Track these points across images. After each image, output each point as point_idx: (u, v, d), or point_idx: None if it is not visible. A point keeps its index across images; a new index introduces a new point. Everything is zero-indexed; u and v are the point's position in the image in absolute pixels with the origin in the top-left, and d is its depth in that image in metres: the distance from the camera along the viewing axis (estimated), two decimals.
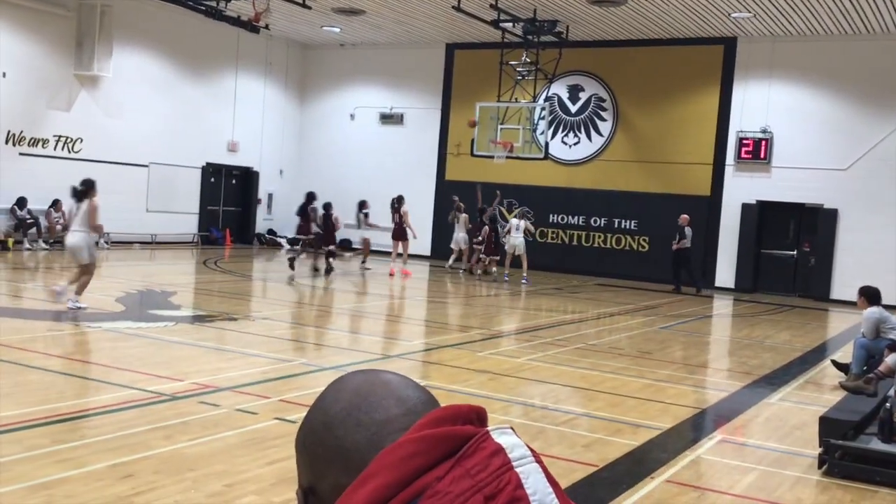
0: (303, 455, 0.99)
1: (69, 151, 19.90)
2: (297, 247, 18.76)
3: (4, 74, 18.51)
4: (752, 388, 9.06)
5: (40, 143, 19.36)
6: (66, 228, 19.23)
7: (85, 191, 10.70)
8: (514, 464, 0.89)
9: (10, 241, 18.45)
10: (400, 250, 19.41)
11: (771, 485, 5.74)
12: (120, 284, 13.95)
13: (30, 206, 18.84)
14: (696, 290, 19.36)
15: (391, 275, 18.52)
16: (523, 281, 18.55)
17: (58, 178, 19.30)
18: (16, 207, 18.74)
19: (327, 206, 17.97)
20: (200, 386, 7.29)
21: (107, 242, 20.23)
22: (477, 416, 0.95)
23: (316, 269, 17.85)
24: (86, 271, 10.75)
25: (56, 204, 19.15)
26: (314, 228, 17.79)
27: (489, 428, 0.93)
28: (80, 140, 20.10)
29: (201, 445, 5.60)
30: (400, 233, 19.27)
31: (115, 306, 11.63)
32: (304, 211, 17.85)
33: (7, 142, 18.68)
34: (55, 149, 19.64)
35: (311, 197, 18.13)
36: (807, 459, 6.33)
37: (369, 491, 0.88)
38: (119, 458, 5.19)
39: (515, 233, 18.93)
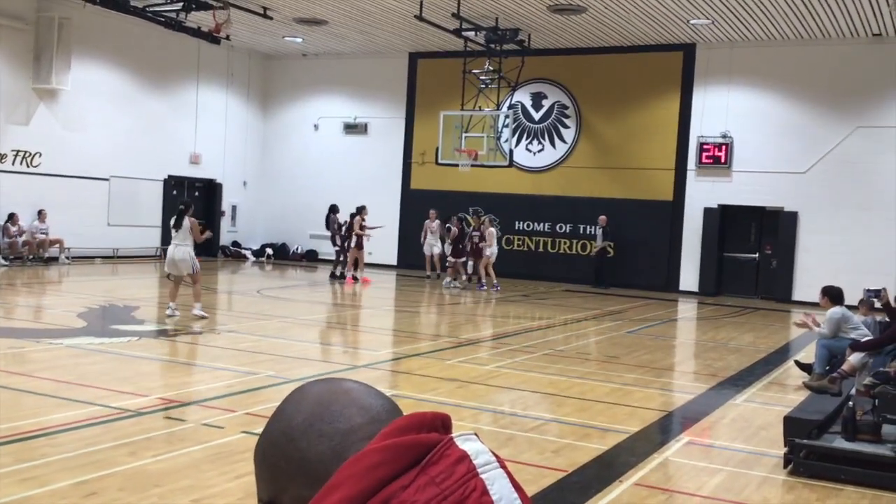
0: (263, 468, 0.97)
1: (28, 166, 19.60)
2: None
3: None
4: (717, 390, 9.15)
5: None
6: (14, 246, 19.06)
7: (184, 210, 12.22)
8: (479, 470, 0.89)
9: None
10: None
11: (738, 485, 5.79)
12: (82, 300, 13.74)
13: None
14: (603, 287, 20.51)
15: (350, 283, 18.81)
16: (497, 288, 18.89)
17: (16, 192, 19.02)
18: None
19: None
20: (165, 401, 7.20)
21: (67, 258, 19.95)
22: (442, 424, 0.94)
23: (333, 276, 19.79)
24: (195, 280, 12.15)
25: (12, 218, 18.84)
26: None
27: (453, 435, 0.92)
28: (38, 154, 19.79)
29: (167, 461, 5.53)
30: (358, 242, 19.38)
31: (76, 322, 11.45)
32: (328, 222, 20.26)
33: None
34: (13, 163, 19.33)
35: (333, 209, 20.35)
36: (772, 459, 6.40)
37: (334, 502, 0.86)
38: (83, 475, 5.10)
39: (494, 242, 19.49)
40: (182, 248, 12.00)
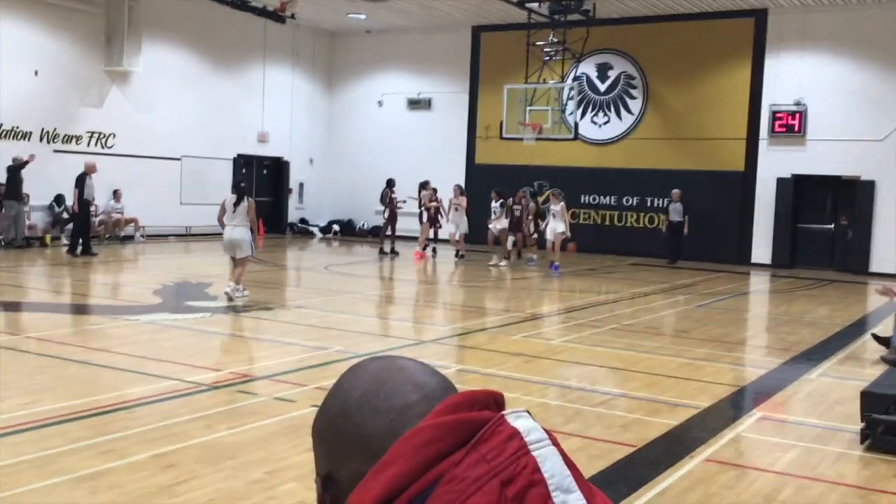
0: (321, 443, 0.99)
1: (102, 147, 20.14)
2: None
3: (37, 73, 18.75)
4: (791, 365, 8.96)
5: (74, 140, 19.61)
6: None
7: (244, 189, 11.86)
8: (530, 447, 0.89)
9: (48, 237, 18.73)
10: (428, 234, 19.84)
11: (812, 461, 5.67)
12: (156, 277, 14.11)
13: (66, 202, 19.10)
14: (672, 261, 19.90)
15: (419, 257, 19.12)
16: (533, 260, 18.62)
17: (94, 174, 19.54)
18: (54, 204, 19.02)
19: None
20: (238, 375, 7.37)
21: (142, 236, 20.49)
22: (494, 402, 0.95)
23: (383, 252, 19.39)
24: (242, 263, 11.65)
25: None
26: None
27: (505, 412, 0.93)
28: (112, 135, 20.32)
29: (241, 434, 5.66)
30: (422, 217, 19.66)
31: (152, 298, 11.77)
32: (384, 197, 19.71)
33: (41, 139, 18.94)
34: (88, 145, 19.88)
35: (389, 183, 19.77)
36: (848, 435, 6.25)
37: (387, 478, 0.88)
38: (160, 448, 5.26)
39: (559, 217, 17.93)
40: (241, 229, 11.60)
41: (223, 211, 11.67)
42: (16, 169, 17.23)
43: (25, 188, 17.54)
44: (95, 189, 17.23)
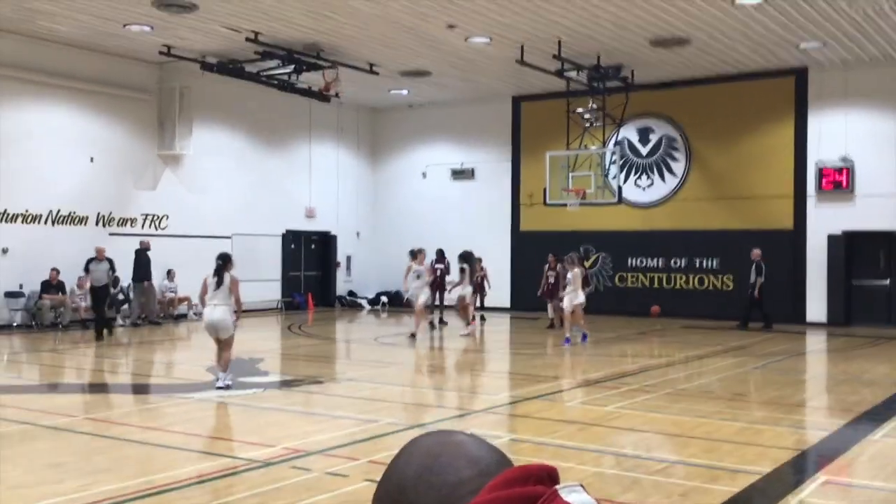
0: None
1: (156, 228, 20.66)
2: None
3: (92, 159, 19.42)
4: (853, 426, 8.70)
5: (128, 223, 20.16)
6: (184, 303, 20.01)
7: (223, 265, 10.75)
8: None
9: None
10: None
11: None
12: (209, 354, 14.27)
13: (122, 283, 19.55)
14: (767, 326, 18.91)
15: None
16: (567, 342, 15.96)
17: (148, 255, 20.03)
18: (109, 286, 19.47)
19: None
20: (291, 451, 7.38)
21: (196, 314, 20.80)
22: (548, 476, 0.95)
23: (432, 325, 18.90)
24: (227, 346, 10.67)
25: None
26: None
27: (559, 486, 0.93)
28: (165, 217, 20.86)
29: None
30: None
31: (205, 376, 11.91)
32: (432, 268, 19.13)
33: (97, 223, 19.50)
34: (143, 227, 20.42)
35: (440, 254, 19.94)
36: None
37: None
38: None
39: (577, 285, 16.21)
40: (221, 309, 10.52)
41: (204, 289, 10.79)
42: (142, 252, 19.09)
43: (80, 272, 18.06)
44: (152, 268, 17.88)
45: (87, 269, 17.26)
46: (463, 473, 0.97)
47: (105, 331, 16.83)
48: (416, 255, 17.41)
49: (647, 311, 21.27)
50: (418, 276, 17.20)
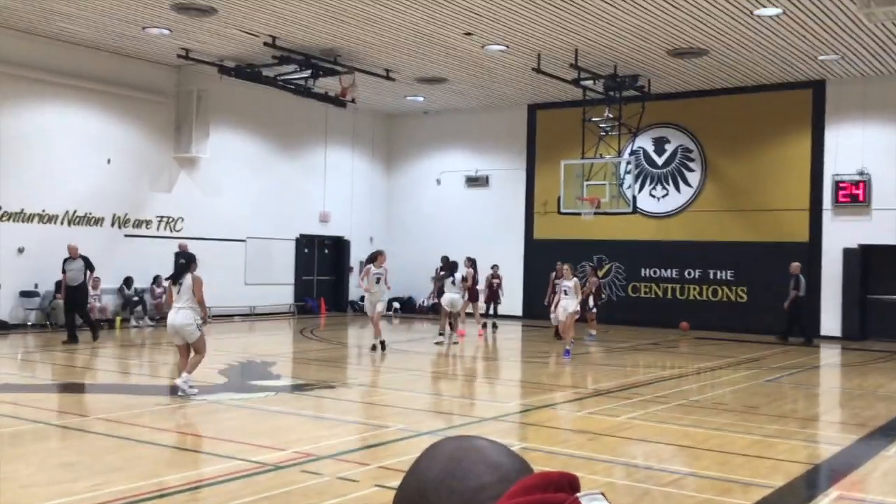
0: None
1: (171, 230, 20.76)
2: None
3: (109, 161, 19.53)
4: (867, 441, 8.63)
5: (144, 225, 20.26)
6: (161, 307, 20.10)
7: (186, 265, 10.26)
8: None
9: (119, 319, 19.23)
10: (469, 309, 19.41)
11: None
12: (221, 356, 14.33)
13: (136, 284, 19.65)
14: (807, 341, 18.69)
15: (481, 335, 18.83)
16: (567, 356, 15.25)
17: (161, 256, 20.13)
18: (123, 287, 19.57)
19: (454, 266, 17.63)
20: (302, 455, 7.39)
21: (209, 317, 20.86)
22: (569, 484, 0.95)
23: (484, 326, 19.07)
24: (197, 349, 10.27)
25: (157, 280, 19.98)
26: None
27: (579, 494, 0.93)
28: (181, 219, 20.96)
29: None
30: (472, 294, 19.12)
31: (217, 378, 11.94)
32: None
33: (113, 224, 19.62)
34: (158, 229, 20.52)
35: (472, 262, 19.08)
36: None
37: None
38: None
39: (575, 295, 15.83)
40: (184, 312, 10.03)
41: (170, 294, 10.31)
42: (181, 254, 18.40)
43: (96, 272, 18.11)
44: (164, 271, 17.75)
45: (63, 270, 15.83)
46: (484, 479, 0.97)
47: (92, 334, 15.74)
48: (375, 257, 15.99)
49: (661, 321, 21.21)
50: (378, 281, 15.75)
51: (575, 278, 15.98)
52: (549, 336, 19.19)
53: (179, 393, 10.01)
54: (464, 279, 17.71)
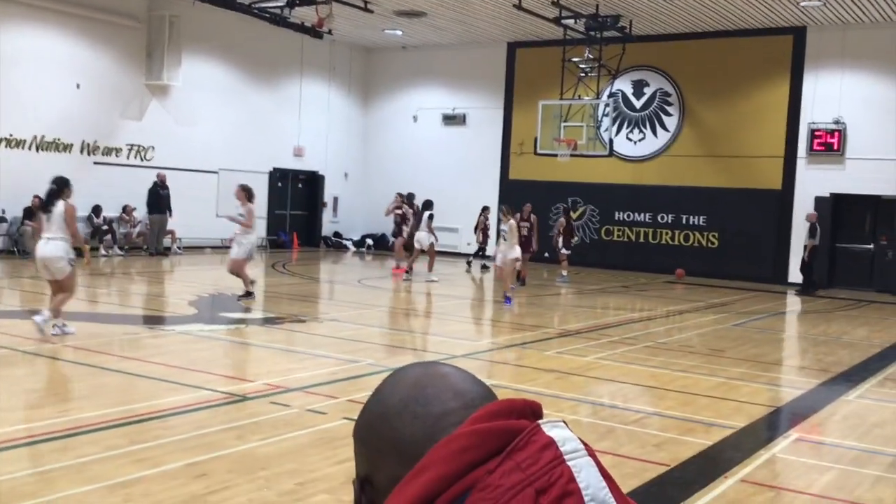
0: (360, 445, 1.00)
1: (141, 159, 20.44)
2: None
3: (78, 86, 19.09)
4: (828, 386, 8.81)
5: (113, 152, 19.92)
6: (130, 237, 19.89)
7: (58, 190, 9.00)
8: (566, 457, 0.89)
9: (88, 247, 18.99)
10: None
11: (850, 484, 5.57)
12: (192, 288, 14.27)
13: (105, 213, 19.40)
14: (807, 288, 18.71)
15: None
16: (508, 303, 14.37)
17: (131, 185, 19.87)
18: (92, 215, 19.32)
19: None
20: (271, 387, 7.41)
21: (179, 248, 20.71)
22: (532, 411, 0.95)
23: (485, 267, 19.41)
24: (64, 287, 9.03)
25: (126, 209, 19.76)
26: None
27: (541, 421, 0.93)
28: (151, 148, 20.62)
29: (273, 445, 5.69)
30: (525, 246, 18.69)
31: (187, 309, 11.89)
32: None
33: (82, 151, 19.27)
34: (128, 157, 20.19)
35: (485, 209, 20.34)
36: (887, 458, 6.12)
37: (422, 483, 0.88)
38: (193, 457, 5.30)
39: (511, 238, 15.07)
40: (55, 244, 8.87)
41: (40, 221, 9.28)
42: (158, 185, 19.52)
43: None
44: (134, 200, 17.55)
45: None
46: (448, 405, 0.96)
47: None
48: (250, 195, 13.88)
49: (633, 265, 21.39)
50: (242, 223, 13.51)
51: (512, 220, 14.94)
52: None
53: (38, 332, 8.80)
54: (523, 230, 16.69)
